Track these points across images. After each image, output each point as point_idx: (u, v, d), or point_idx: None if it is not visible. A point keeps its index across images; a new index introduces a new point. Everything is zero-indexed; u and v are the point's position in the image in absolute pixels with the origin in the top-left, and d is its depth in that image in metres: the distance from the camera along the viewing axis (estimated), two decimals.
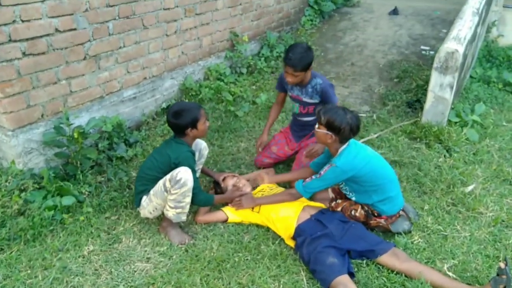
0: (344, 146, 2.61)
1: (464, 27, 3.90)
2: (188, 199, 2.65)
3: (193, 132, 2.73)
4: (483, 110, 4.21)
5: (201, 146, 3.03)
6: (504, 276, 2.21)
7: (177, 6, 4.08)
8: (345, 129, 2.52)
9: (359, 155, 2.57)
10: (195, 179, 2.65)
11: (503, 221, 2.90)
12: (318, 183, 2.63)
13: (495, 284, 2.21)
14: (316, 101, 3.18)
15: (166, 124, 3.92)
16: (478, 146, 3.73)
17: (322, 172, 2.60)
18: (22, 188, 2.93)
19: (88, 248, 2.68)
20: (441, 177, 3.30)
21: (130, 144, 3.71)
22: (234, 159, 3.67)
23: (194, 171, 2.66)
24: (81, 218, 2.90)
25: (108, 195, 3.12)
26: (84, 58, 3.32)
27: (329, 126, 2.55)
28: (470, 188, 3.20)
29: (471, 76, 5.26)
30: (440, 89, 3.74)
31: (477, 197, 3.10)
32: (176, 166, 2.62)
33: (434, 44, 5.65)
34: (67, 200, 2.91)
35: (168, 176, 2.59)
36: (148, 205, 2.71)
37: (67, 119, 3.09)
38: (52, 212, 2.84)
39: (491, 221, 2.91)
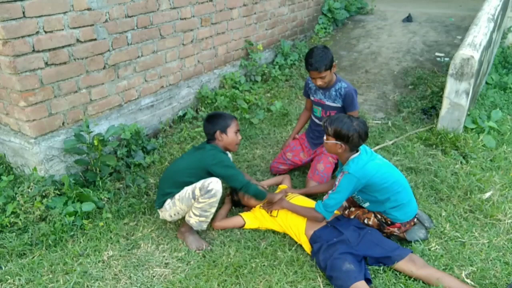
0: (355, 154, 2.62)
1: (480, 33, 3.89)
2: (214, 210, 2.71)
3: (223, 137, 2.84)
4: (499, 116, 4.18)
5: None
6: None
7: (193, 16, 4.16)
8: (354, 137, 2.54)
9: (370, 162, 2.58)
10: (239, 173, 2.77)
11: None
12: (335, 197, 2.60)
13: None
14: (339, 105, 3.23)
15: (183, 132, 4.03)
16: (495, 152, 3.70)
17: (336, 183, 2.61)
18: (44, 194, 3.01)
19: (108, 253, 2.73)
20: (458, 183, 3.28)
21: (148, 152, 3.77)
22: (249, 166, 3.70)
23: (233, 167, 2.77)
24: (101, 223, 2.95)
25: (127, 202, 3.18)
26: (104, 68, 3.41)
27: (337, 135, 2.58)
28: (487, 194, 3.17)
29: (487, 83, 5.22)
30: (456, 96, 3.73)
31: (494, 204, 3.08)
32: (213, 168, 2.69)
33: (449, 51, 5.63)
34: (87, 206, 2.98)
35: (198, 185, 2.63)
36: (171, 209, 2.75)
37: (87, 127, 3.16)
38: (72, 218, 2.91)
39: (510, 228, 2.88)
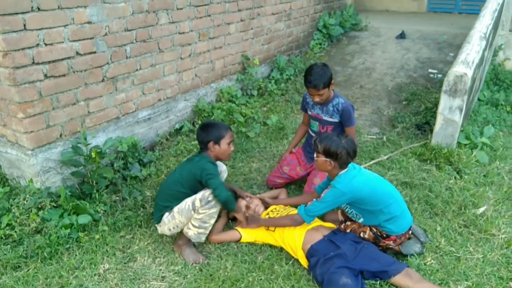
0: (344, 170, 2.67)
1: (472, 51, 3.98)
2: (213, 221, 2.72)
3: (215, 148, 2.83)
4: (492, 132, 4.25)
5: (221, 168, 3.09)
6: None
7: (191, 30, 4.21)
8: (342, 154, 2.60)
9: (357, 177, 2.64)
10: (218, 178, 2.71)
11: None
12: (318, 206, 2.67)
13: None
14: (336, 120, 3.27)
15: (180, 145, 4.04)
16: (488, 168, 3.76)
17: (322, 195, 2.68)
18: (40, 206, 2.99)
19: (104, 267, 2.71)
20: (452, 198, 3.32)
21: (144, 164, 3.77)
22: (246, 179, 3.72)
23: (214, 175, 2.70)
24: (97, 236, 2.94)
25: (123, 214, 3.17)
26: (102, 80, 3.43)
27: (327, 153, 2.64)
28: (481, 210, 3.21)
29: (479, 99, 5.32)
30: (450, 112, 3.79)
31: (489, 219, 3.12)
32: (201, 179, 2.69)
33: (442, 68, 5.73)
34: (83, 219, 2.97)
35: (198, 196, 2.65)
36: (170, 222, 2.75)
37: (85, 139, 3.17)
38: (68, 230, 2.89)
39: (504, 243, 2.91)
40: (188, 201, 2.71)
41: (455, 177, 3.60)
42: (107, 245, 2.90)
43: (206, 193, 2.65)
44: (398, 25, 7.38)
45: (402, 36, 6.84)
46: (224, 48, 4.76)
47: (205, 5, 4.31)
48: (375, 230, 2.76)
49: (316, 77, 3.04)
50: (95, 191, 3.23)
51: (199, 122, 4.43)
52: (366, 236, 2.78)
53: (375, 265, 2.57)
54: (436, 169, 3.73)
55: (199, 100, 4.55)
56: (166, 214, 2.79)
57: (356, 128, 3.49)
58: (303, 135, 3.66)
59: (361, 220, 2.79)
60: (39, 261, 2.72)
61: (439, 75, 5.54)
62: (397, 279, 2.51)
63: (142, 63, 3.76)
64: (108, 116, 3.56)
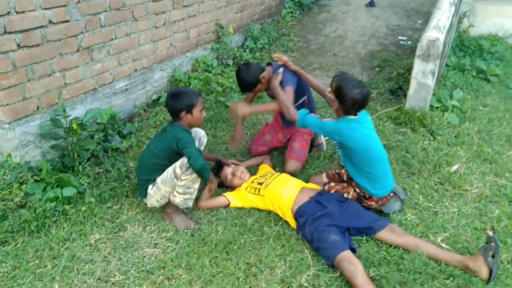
0: (353, 116, 2.72)
1: (443, 16, 4.10)
2: (197, 185, 2.73)
3: (187, 117, 2.78)
4: (460, 96, 4.43)
5: (200, 134, 3.07)
6: (492, 244, 2.38)
7: None
8: (348, 102, 2.65)
9: (359, 129, 2.69)
10: (197, 149, 2.68)
11: (487, 196, 3.11)
12: (316, 123, 2.81)
13: (485, 252, 2.38)
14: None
15: (158, 116, 4.00)
16: (458, 129, 3.95)
17: (324, 120, 2.79)
18: (21, 181, 2.92)
19: (94, 237, 2.71)
20: (427, 158, 3.48)
21: (124, 136, 3.72)
22: (228, 148, 3.74)
23: (190, 143, 2.64)
24: (83, 208, 2.91)
25: (108, 186, 3.14)
26: (77, 50, 3.32)
27: (337, 93, 2.70)
28: (454, 167, 3.40)
29: (447, 65, 5.50)
30: (423, 76, 3.92)
31: (461, 176, 3.30)
32: (178, 148, 2.66)
33: (411, 35, 5.88)
34: (68, 191, 2.92)
35: (178, 163, 2.65)
36: (156, 194, 2.76)
37: (64, 111, 3.08)
38: (53, 204, 2.85)
39: (476, 197, 3.11)
40: (169, 170, 2.71)
41: (429, 139, 3.77)
42: (95, 216, 2.88)
43: (184, 160, 2.65)
44: None
45: (371, 4, 6.92)
46: (198, 16, 4.68)
47: None
48: (358, 190, 2.87)
49: (242, 82, 3.20)
50: (77, 164, 3.17)
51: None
52: (350, 196, 2.89)
53: (361, 222, 2.70)
54: (411, 131, 3.88)
55: (175, 70, 4.48)
56: (150, 186, 2.79)
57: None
58: None
59: (345, 165, 2.92)
60: (26, 235, 2.68)
61: (409, 42, 5.68)
62: (382, 234, 2.65)
63: (117, 32, 3.65)
64: (85, 88, 3.46)
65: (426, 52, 3.83)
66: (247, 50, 5.41)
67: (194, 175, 2.68)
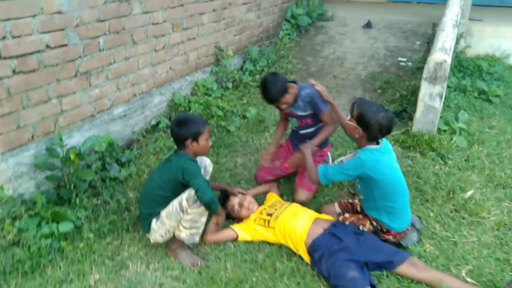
0: (375, 145, 2.60)
1: (448, 38, 4.05)
2: (204, 219, 2.56)
3: (193, 145, 2.61)
4: (466, 118, 4.35)
5: (206, 163, 2.93)
6: None
7: (165, 21, 4.00)
8: (374, 127, 2.52)
9: (383, 160, 2.56)
10: (205, 180, 2.55)
11: (506, 224, 2.98)
12: (337, 170, 2.61)
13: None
14: (310, 112, 3.17)
15: (158, 142, 3.84)
16: (468, 152, 3.84)
17: (344, 160, 2.60)
18: (14, 216, 2.72)
19: (94, 277, 2.51)
20: (440, 184, 3.36)
21: (123, 164, 3.55)
22: (232, 175, 3.59)
23: (197, 173, 2.52)
24: (81, 245, 2.72)
25: (107, 219, 2.95)
26: (75, 75, 3.17)
27: (359, 120, 2.55)
28: (469, 193, 3.27)
29: (448, 86, 5.45)
30: (430, 99, 3.84)
31: (477, 202, 3.17)
32: (184, 179, 2.51)
33: (411, 56, 5.84)
34: (65, 226, 2.73)
35: (184, 195, 2.48)
36: (160, 228, 2.57)
37: (60, 139, 2.91)
38: (49, 240, 2.65)
39: (494, 225, 2.97)
40: (175, 203, 2.54)
41: (439, 163, 3.65)
42: (94, 253, 2.68)
43: (192, 192, 2.49)
44: (363, 14, 7.43)
45: (368, 25, 6.90)
46: (198, 39, 4.57)
47: None
48: (375, 224, 2.72)
49: (270, 91, 2.99)
50: (74, 196, 2.98)
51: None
52: (366, 229, 2.74)
53: (380, 256, 2.54)
54: (420, 155, 3.77)
55: (174, 94, 4.35)
56: (154, 220, 2.61)
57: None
58: (284, 129, 3.52)
59: (361, 198, 2.76)
60: (20, 276, 2.47)
61: (409, 63, 5.63)
62: (402, 268, 2.49)
63: (116, 56, 3.51)
64: (82, 114, 3.30)
65: (433, 74, 3.76)
66: (247, 73, 5.31)
67: (202, 208, 2.51)
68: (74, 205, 2.96)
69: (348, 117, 2.67)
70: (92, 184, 3.19)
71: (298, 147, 3.36)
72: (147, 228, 2.63)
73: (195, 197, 2.47)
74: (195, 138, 2.58)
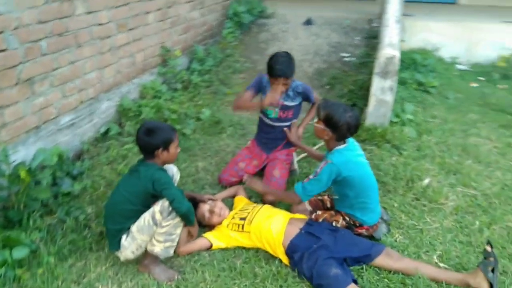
0: (342, 145, 2.61)
1: (394, 34, 4.21)
2: (179, 230, 2.42)
3: (163, 154, 2.47)
4: (412, 109, 4.57)
5: (173, 170, 2.78)
6: (491, 258, 2.38)
7: (110, 21, 3.75)
8: (343, 127, 2.53)
9: (353, 158, 2.59)
10: (179, 189, 2.43)
11: (462, 208, 3.15)
12: (315, 184, 2.58)
13: (484, 267, 2.37)
14: (297, 103, 3.26)
15: (111, 151, 3.60)
16: (418, 142, 4.03)
17: (318, 170, 2.57)
18: None
19: None
20: (399, 174, 3.48)
21: (74, 177, 3.27)
22: (195, 180, 3.46)
23: (169, 183, 2.41)
24: (40, 271, 2.46)
25: (66, 239, 2.71)
26: (17, 83, 2.86)
27: (327, 122, 2.55)
28: (426, 181, 3.43)
29: None
30: (382, 93, 3.97)
31: (434, 189, 3.33)
32: (155, 190, 2.36)
33: (353, 51, 6.03)
34: (20, 252, 2.45)
35: (157, 207, 2.32)
36: (131, 245, 2.40)
37: (6, 156, 2.61)
38: (2, 270, 2.37)
39: (453, 210, 3.14)
40: (146, 217, 2.38)
41: (395, 154, 3.80)
42: (56, 279, 2.44)
43: (165, 203, 2.35)
44: (302, 11, 7.55)
45: (309, 22, 7.02)
46: (144, 39, 4.35)
47: None
48: (348, 219, 2.75)
49: (284, 66, 3.00)
50: (25, 217, 2.69)
51: (127, 123, 4.00)
52: (339, 225, 2.76)
53: (357, 251, 2.57)
54: (376, 148, 3.89)
55: (123, 98, 4.10)
56: (124, 237, 2.43)
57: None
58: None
59: (335, 197, 2.79)
60: None
61: (353, 58, 5.81)
62: (379, 260, 2.54)
63: (60, 60, 3.23)
64: (26, 126, 3.00)
65: (384, 69, 3.89)
66: (195, 73, 5.16)
67: (177, 220, 2.38)
68: (25, 227, 2.68)
69: (315, 120, 2.66)
70: (44, 202, 2.91)
71: (269, 146, 3.32)
72: (116, 246, 2.44)
73: (169, 209, 2.33)
74: (166, 146, 2.44)
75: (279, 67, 2.98)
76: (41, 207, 2.88)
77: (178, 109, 4.33)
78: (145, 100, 4.32)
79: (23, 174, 2.55)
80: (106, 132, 3.87)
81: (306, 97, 3.29)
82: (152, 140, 2.40)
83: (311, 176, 2.62)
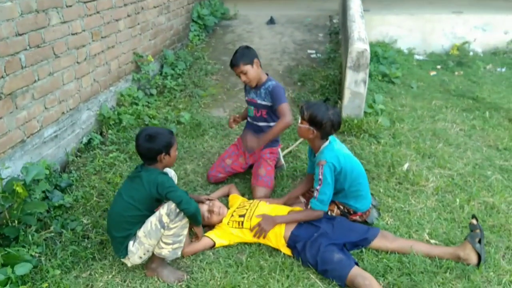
0: (326, 143, 2.73)
1: (361, 28, 4.41)
2: (186, 231, 2.46)
3: (165, 158, 2.50)
4: (381, 99, 4.81)
5: (171, 174, 2.79)
6: (477, 230, 2.60)
7: (84, 30, 3.69)
8: (327, 125, 2.64)
9: (340, 152, 2.72)
10: (184, 191, 2.47)
11: (442, 188, 3.38)
12: (326, 191, 2.65)
13: (472, 239, 2.58)
14: (268, 103, 3.26)
15: (97, 160, 3.56)
16: (393, 130, 4.26)
17: (321, 177, 2.65)
18: None
19: None
20: (380, 161, 3.68)
21: (63, 190, 3.22)
22: (186, 183, 3.48)
23: (173, 186, 2.43)
24: (44, 285, 2.42)
25: (67, 251, 2.67)
26: (0, 98, 2.78)
27: (311, 121, 2.65)
28: (406, 166, 3.64)
29: None
30: (355, 85, 4.16)
31: (414, 173, 3.55)
32: (159, 194, 2.39)
33: (318, 47, 6.22)
34: (22, 269, 2.39)
35: (163, 211, 2.35)
36: (139, 250, 2.40)
37: None
38: None
39: (434, 190, 3.36)
40: (152, 221, 2.40)
41: (374, 143, 4.00)
42: None
43: (171, 205, 2.39)
44: (264, 11, 7.70)
45: (272, 21, 7.17)
46: (117, 47, 4.31)
47: (93, 0, 3.82)
48: (342, 207, 2.89)
49: (237, 56, 3.15)
50: (22, 233, 2.63)
51: (109, 131, 3.95)
52: (334, 214, 2.90)
53: (355, 236, 2.71)
54: (355, 138, 4.07)
55: (102, 107, 4.05)
56: (131, 243, 2.44)
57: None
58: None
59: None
60: None
61: (319, 55, 6.00)
62: (376, 242, 2.70)
63: (40, 73, 3.16)
64: (12, 141, 2.92)
65: (356, 63, 4.08)
66: (168, 77, 5.16)
67: (184, 221, 2.42)
68: (22, 243, 2.62)
69: (299, 121, 2.77)
70: (38, 217, 2.85)
71: None
72: (124, 252, 2.44)
73: (177, 211, 2.36)
74: (168, 150, 2.47)
75: (231, 59, 3.18)
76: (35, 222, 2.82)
77: (156, 114, 4.33)
78: (123, 107, 4.30)
79: (19, 189, 2.49)
80: (89, 142, 3.82)
81: (273, 98, 3.20)
82: (154, 145, 2.42)
83: (318, 187, 2.67)
